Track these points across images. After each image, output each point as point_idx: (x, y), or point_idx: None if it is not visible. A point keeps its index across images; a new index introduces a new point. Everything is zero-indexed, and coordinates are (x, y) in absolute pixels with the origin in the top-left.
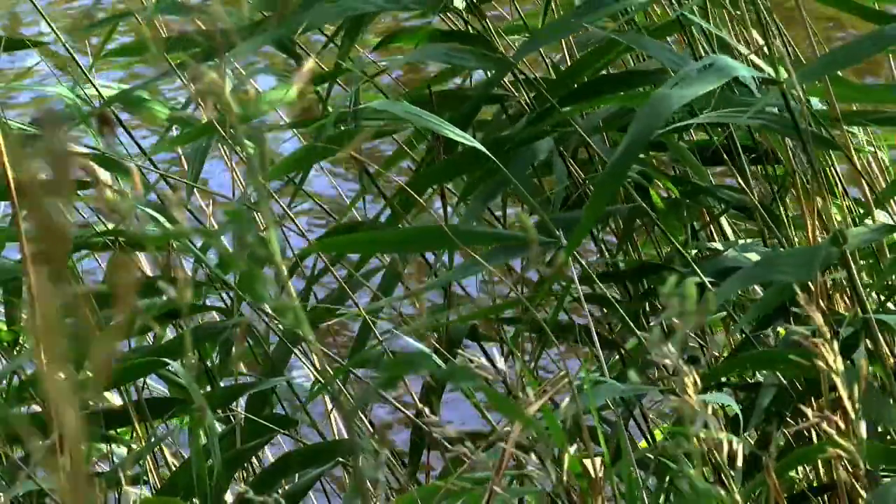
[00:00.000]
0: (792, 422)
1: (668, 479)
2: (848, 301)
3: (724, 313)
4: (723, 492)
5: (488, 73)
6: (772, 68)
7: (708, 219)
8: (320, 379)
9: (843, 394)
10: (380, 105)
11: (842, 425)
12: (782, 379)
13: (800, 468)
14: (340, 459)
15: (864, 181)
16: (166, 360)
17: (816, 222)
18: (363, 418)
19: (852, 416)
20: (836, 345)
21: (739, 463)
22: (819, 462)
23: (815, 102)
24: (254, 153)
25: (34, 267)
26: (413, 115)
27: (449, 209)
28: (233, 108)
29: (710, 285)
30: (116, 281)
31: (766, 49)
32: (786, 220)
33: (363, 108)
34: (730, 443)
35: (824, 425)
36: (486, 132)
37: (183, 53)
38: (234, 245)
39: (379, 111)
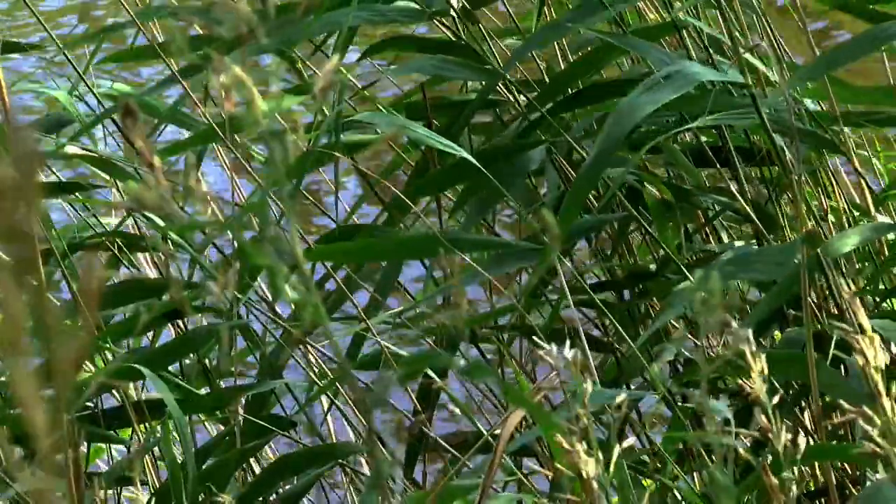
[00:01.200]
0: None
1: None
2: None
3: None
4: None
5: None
6: (752, 70)
7: (703, 221)
8: (318, 381)
9: (882, 391)
10: (366, 117)
11: (878, 422)
12: (776, 384)
13: (795, 471)
14: (340, 461)
15: (862, 182)
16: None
17: (809, 224)
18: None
19: (889, 414)
20: (877, 341)
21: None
22: (816, 465)
23: (809, 103)
24: (275, 151)
25: (2, 268)
26: (400, 126)
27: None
28: (258, 104)
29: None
30: (83, 283)
31: (754, 49)
32: (783, 223)
33: (351, 119)
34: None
35: (861, 422)
36: (479, 136)
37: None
38: (250, 238)
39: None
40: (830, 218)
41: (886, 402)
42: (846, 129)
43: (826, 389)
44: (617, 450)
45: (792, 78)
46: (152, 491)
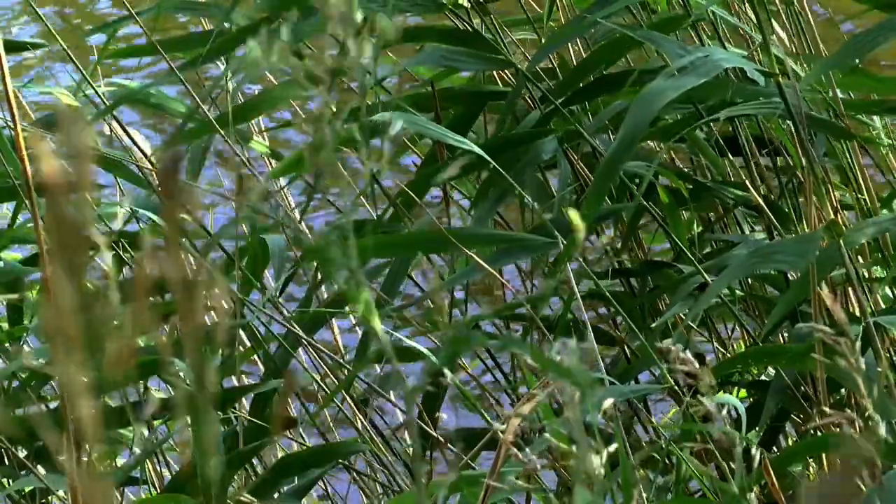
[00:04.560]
0: (798, 421)
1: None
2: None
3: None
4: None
5: (491, 72)
6: (772, 60)
7: (722, 211)
8: (323, 385)
9: (864, 392)
10: (378, 118)
11: (861, 423)
12: (787, 379)
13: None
14: (341, 461)
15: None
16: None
17: (818, 216)
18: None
19: (872, 414)
20: (858, 344)
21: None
22: (822, 459)
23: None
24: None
25: (51, 260)
26: (413, 123)
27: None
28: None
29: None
30: (136, 275)
31: (769, 39)
32: (794, 216)
33: (360, 121)
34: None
35: (844, 423)
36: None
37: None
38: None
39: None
40: (852, 209)
41: (868, 404)
42: (876, 119)
43: (841, 381)
44: (613, 447)
45: (815, 68)
46: (152, 491)
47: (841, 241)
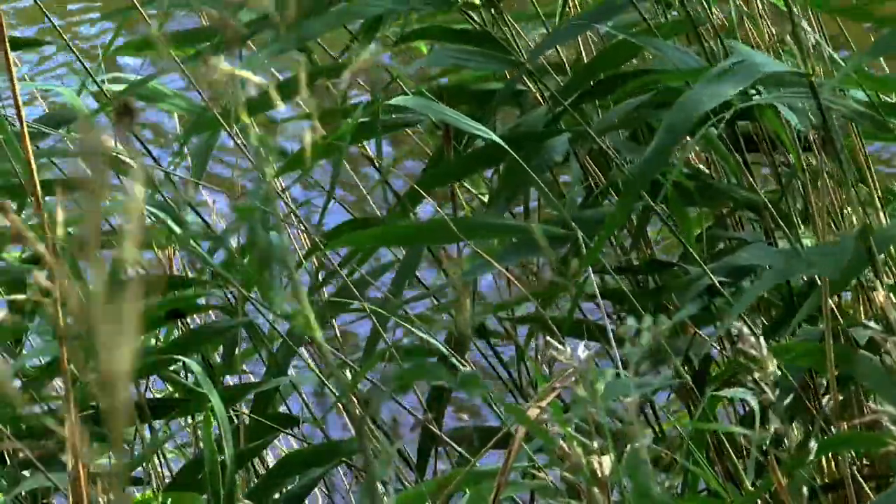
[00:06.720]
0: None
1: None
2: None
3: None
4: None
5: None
6: (801, 62)
7: (731, 208)
8: (328, 385)
9: None
10: (400, 101)
11: None
12: (793, 380)
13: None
14: (343, 460)
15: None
16: (176, 357)
17: (826, 218)
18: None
19: None
20: None
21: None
22: (825, 460)
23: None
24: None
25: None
26: (435, 111)
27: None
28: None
29: (719, 286)
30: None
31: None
32: (794, 217)
33: (384, 102)
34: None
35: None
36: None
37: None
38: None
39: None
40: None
41: None
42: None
43: (861, 379)
44: (630, 448)
45: (849, 63)
46: (153, 490)
47: (872, 244)
